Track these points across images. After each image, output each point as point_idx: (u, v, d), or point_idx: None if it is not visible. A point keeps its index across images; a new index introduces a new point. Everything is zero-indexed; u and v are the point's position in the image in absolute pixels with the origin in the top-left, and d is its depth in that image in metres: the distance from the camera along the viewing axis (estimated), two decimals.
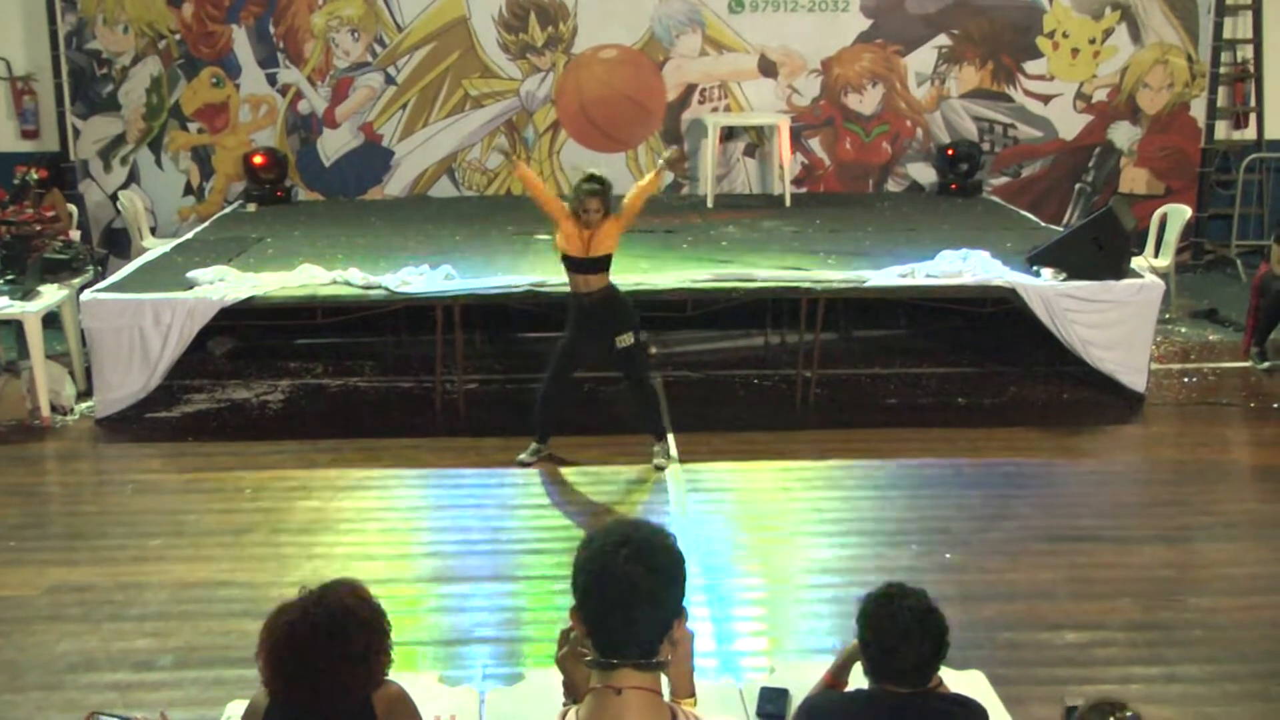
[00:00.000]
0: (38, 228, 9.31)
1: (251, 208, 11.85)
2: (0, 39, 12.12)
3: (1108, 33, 12.46)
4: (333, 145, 12.43)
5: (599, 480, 7.56)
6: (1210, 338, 10.40)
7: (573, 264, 7.36)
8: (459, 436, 8.32)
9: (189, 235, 10.72)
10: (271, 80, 12.26)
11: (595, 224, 7.18)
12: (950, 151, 12.40)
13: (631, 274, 8.44)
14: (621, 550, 2.54)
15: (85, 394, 8.87)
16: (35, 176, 9.75)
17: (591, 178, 7.28)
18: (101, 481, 7.75)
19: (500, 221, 10.88)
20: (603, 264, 7.34)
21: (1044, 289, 8.58)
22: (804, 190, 12.47)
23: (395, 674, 3.18)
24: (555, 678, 3.01)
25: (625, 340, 7.40)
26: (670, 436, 7.79)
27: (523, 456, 7.69)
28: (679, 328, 10.03)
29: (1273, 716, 5.12)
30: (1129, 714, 3.15)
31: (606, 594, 2.53)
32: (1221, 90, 12.76)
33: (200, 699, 5.11)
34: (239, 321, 9.33)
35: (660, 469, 7.58)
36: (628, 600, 2.52)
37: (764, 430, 8.39)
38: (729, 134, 12.47)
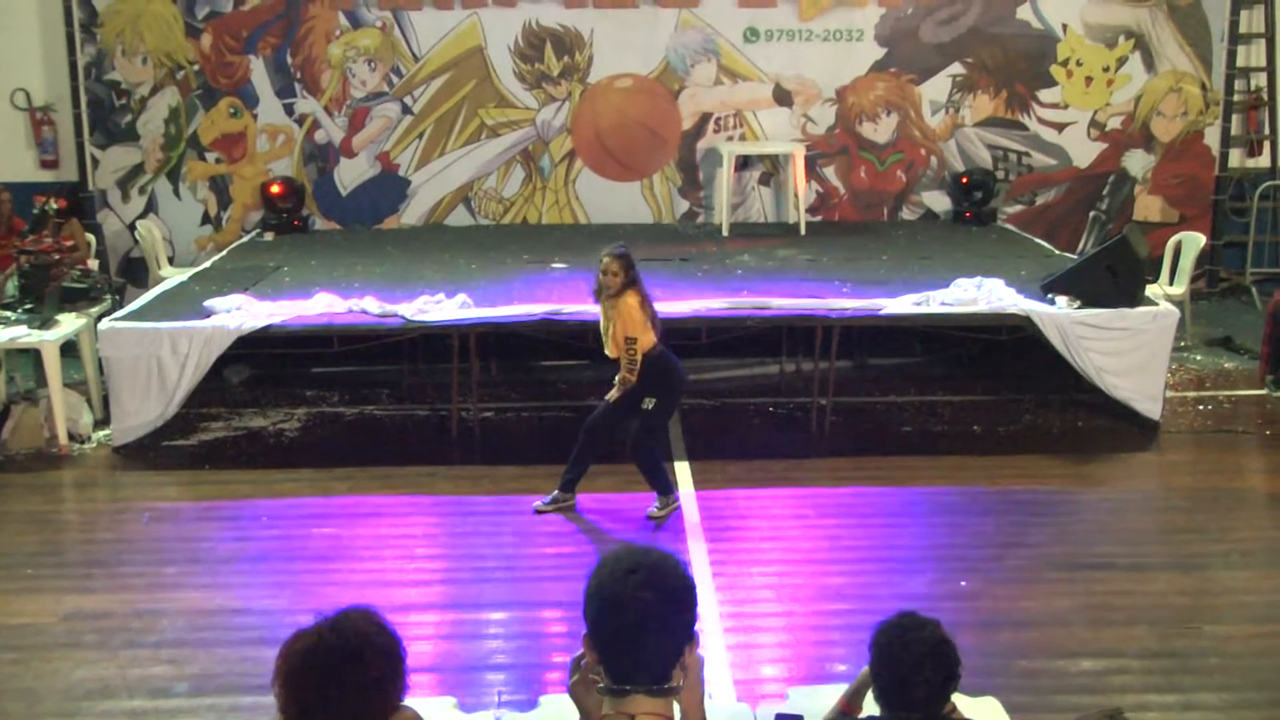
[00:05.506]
0: (56, 257, 9.40)
1: (269, 237, 11.92)
2: (20, 69, 12.24)
3: (1121, 61, 12.48)
4: (349, 174, 12.51)
5: (613, 507, 7.55)
6: (1225, 365, 10.39)
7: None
8: (474, 464, 8.34)
9: (206, 264, 10.78)
10: (289, 110, 12.36)
11: (613, 290, 7.03)
12: (964, 179, 12.43)
13: None
14: (631, 577, 2.53)
15: (102, 422, 8.90)
16: (54, 206, 9.82)
17: (617, 245, 7.22)
18: (118, 509, 7.76)
19: (516, 250, 10.92)
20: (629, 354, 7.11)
21: (1059, 317, 8.58)
22: (819, 219, 12.51)
23: (411, 700, 3.19)
24: (570, 704, 3.01)
25: (648, 404, 7.25)
26: (684, 465, 7.67)
27: (539, 505, 7.43)
28: (694, 356, 10.01)
29: None
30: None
31: (617, 620, 2.53)
32: (1235, 118, 12.78)
33: None
34: (256, 350, 9.38)
35: (651, 519, 7.30)
36: (638, 626, 2.52)
37: (779, 458, 8.38)
38: (744, 163, 12.51)
